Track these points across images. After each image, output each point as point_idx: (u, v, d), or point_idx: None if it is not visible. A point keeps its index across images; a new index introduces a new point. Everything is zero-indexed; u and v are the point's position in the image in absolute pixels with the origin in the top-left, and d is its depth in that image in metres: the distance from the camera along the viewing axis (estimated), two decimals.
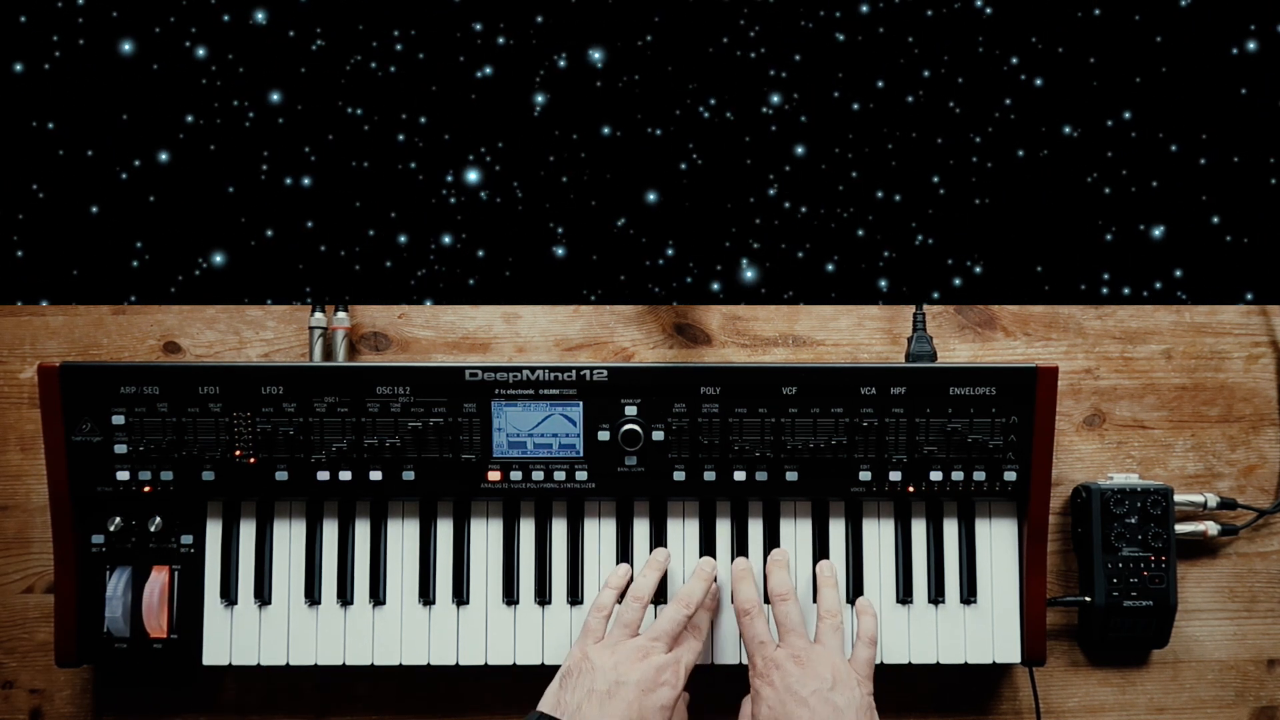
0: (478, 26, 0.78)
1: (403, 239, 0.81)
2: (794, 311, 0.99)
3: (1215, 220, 0.81)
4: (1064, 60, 0.80)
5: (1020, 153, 0.81)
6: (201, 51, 0.78)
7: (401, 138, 0.80)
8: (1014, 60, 0.80)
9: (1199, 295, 0.81)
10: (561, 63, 0.79)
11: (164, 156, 0.79)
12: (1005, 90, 0.80)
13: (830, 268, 0.82)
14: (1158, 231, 0.81)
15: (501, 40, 0.78)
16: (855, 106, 0.80)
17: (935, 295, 0.82)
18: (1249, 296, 0.81)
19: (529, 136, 0.80)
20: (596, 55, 0.78)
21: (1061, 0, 0.79)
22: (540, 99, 0.79)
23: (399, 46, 0.79)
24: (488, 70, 0.79)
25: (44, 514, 0.95)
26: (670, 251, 0.81)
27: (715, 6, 0.79)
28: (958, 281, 0.81)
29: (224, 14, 0.78)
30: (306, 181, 0.80)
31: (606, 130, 0.80)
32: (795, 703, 0.78)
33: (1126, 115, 0.80)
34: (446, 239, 0.81)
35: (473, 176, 0.80)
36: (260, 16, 0.78)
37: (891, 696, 0.95)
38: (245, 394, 0.87)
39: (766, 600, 0.88)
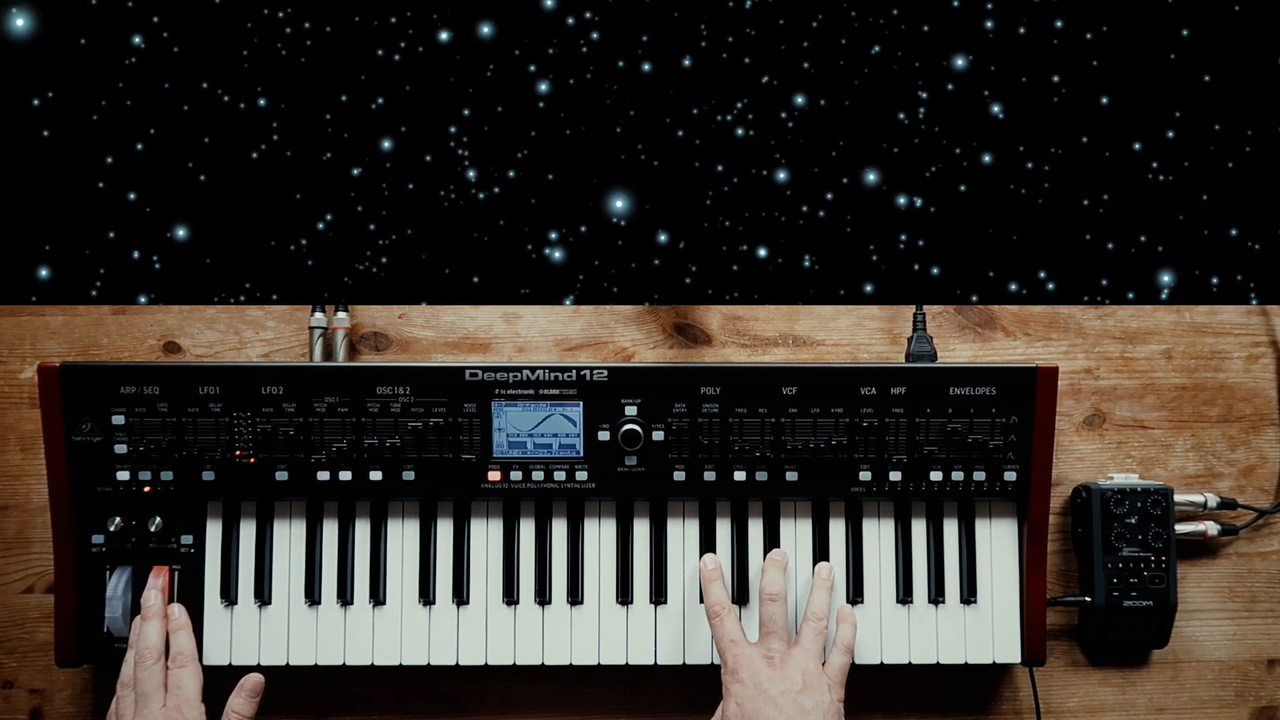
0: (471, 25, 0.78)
1: (402, 238, 0.81)
2: (794, 311, 0.99)
3: (1216, 220, 0.81)
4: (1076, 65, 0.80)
5: (1029, 164, 0.81)
6: (193, 51, 0.78)
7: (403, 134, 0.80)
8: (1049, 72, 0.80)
9: (1199, 295, 0.81)
10: (563, 67, 0.79)
11: (164, 157, 0.79)
12: (1010, 90, 0.80)
13: (835, 265, 0.82)
14: (1158, 231, 0.81)
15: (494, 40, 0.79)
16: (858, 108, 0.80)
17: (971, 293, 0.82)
18: (1253, 301, 0.81)
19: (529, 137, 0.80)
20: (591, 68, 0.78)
21: (1070, 16, 0.79)
22: (543, 86, 0.79)
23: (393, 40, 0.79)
24: (488, 71, 0.79)
25: (44, 514, 0.95)
26: (669, 250, 0.81)
27: (720, 12, 0.79)
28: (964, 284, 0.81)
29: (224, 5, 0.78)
30: (307, 178, 0.80)
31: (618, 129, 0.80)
32: (764, 700, 0.79)
33: (1147, 125, 0.80)
34: (447, 237, 0.81)
35: (471, 175, 0.80)
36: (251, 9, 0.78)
37: (892, 696, 0.95)
38: (245, 394, 0.87)
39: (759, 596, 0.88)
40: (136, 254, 0.80)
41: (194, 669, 0.83)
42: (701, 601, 0.89)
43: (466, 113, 0.79)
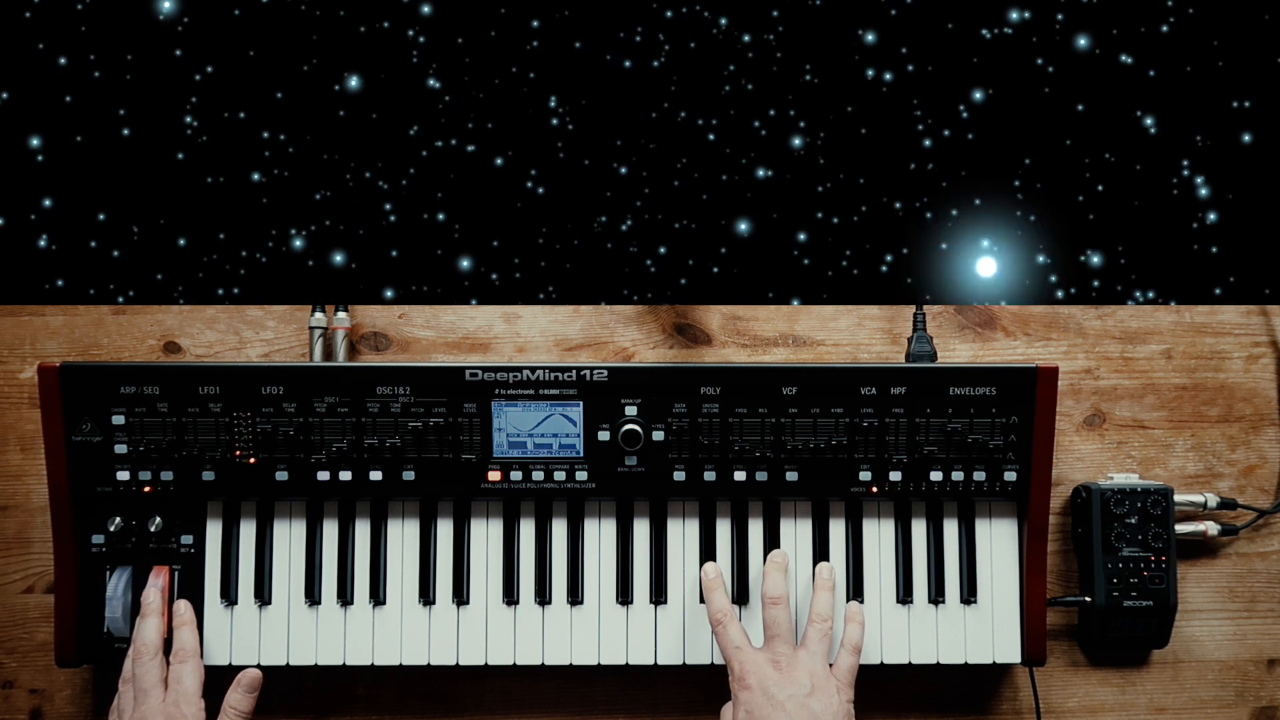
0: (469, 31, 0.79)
1: (403, 236, 0.81)
2: (794, 311, 0.99)
3: (1215, 220, 0.81)
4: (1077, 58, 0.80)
5: (1027, 160, 0.81)
6: (191, 53, 0.78)
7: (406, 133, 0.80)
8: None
9: (1199, 295, 0.81)
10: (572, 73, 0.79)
11: (165, 158, 0.79)
12: (1015, 84, 0.80)
13: (833, 266, 0.82)
14: (1157, 232, 0.81)
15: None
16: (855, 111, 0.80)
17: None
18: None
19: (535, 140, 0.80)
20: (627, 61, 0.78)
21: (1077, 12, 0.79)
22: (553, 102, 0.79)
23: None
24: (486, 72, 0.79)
25: (44, 514, 0.95)
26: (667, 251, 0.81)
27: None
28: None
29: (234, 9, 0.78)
30: (304, 180, 0.80)
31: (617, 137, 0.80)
32: (772, 706, 0.78)
33: (1143, 119, 0.80)
34: (447, 235, 0.81)
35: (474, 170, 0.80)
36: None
37: (892, 696, 0.95)
38: (245, 394, 0.87)
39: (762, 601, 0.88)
40: (137, 254, 0.80)
41: (194, 664, 0.83)
42: (702, 602, 0.89)
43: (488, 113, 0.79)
